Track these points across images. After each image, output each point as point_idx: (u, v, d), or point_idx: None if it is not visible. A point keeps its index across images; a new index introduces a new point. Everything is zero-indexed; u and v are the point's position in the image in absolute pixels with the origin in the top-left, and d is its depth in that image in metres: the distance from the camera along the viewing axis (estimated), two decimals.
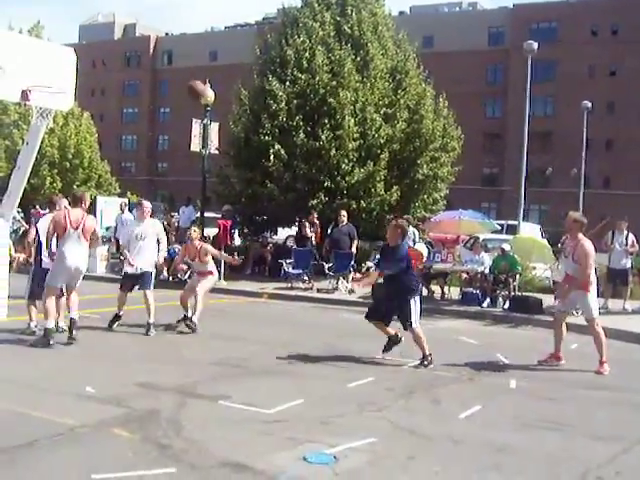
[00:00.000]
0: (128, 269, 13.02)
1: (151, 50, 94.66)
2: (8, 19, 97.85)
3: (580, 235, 10.94)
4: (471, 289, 17.95)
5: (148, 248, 12.91)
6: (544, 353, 11.30)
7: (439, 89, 25.62)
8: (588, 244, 10.87)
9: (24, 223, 23.93)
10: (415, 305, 10.78)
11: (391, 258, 10.94)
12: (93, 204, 30.03)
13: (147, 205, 13.30)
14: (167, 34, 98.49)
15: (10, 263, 14.86)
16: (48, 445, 6.43)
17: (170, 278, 20.68)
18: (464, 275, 18.53)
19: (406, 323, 10.76)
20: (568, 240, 11.65)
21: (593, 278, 11.17)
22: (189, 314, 13.07)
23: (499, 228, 23.99)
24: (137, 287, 12.96)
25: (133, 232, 12.99)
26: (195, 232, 14.04)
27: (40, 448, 6.34)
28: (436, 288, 18.79)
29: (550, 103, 70.22)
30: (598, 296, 17.60)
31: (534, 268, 20.23)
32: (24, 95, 12.63)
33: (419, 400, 8.65)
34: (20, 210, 25.76)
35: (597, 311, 11.30)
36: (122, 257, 15.88)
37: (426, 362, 10.66)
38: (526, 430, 7.53)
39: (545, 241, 21.46)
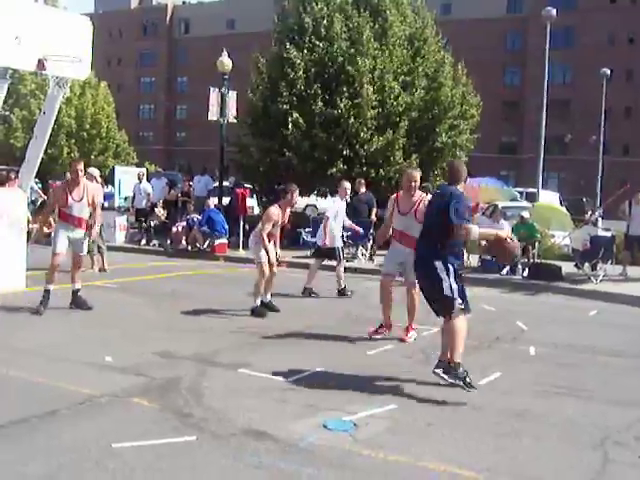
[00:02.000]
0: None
1: (168, 19, 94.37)
2: None
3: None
4: (490, 257, 17.89)
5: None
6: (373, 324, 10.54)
7: (457, 57, 25.42)
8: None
9: (42, 194, 24.03)
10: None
11: None
12: (112, 173, 30.15)
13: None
14: (184, 2, 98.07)
15: (28, 234, 14.93)
16: (68, 415, 6.48)
17: (189, 247, 20.75)
18: (483, 242, 18.47)
19: None
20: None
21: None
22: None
23: (518, 195, 23.90)
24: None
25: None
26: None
27: (61, 417, 6.39)
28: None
29: (569, 71, 69.59)
30: (616, 263, 17.71)
31: (553, 236, 20.18)
32: (40, 64, 12.63)
33: None
34: (38, 181, 25.87)
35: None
36: None
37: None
38: (545, 396, 7.54)
39: (564, 209, 21.38)
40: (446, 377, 7.49)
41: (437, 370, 7.60)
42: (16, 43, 12.08)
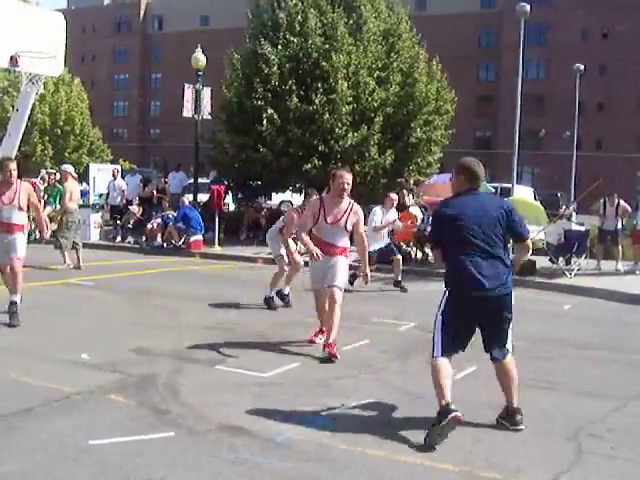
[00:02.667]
0: None
1: (141, 15, 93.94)
2: None
3: None
4: None
5: None
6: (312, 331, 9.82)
7: (432, 52, 25.49)
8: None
9: None
10: None
11: None
12: (86, 171, 30.00)
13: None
14: None
15: None
16: (45, 412, 6.45)
17: (164, 244, 20.70)
18: None
19: None
20: None
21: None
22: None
23: (493, 190, 23.97)
24: None
25: None
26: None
27: (37, 415, 6.36)
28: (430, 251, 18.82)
29: (543, 66, 69.99)
30: (590, 257, 17.88)
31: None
32: (13, 61, 12.57)
33: (415, 362, 8.68)
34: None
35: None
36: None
37: None
38: (520, 389, 7.57)
39: (538, 203, 21.49)
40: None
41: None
42: None
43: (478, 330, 6.51)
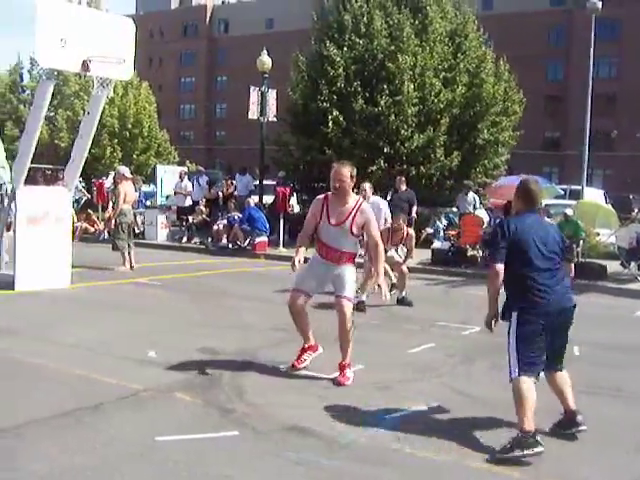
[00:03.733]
0: None
1: (207, 19, 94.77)
2: None
3: None
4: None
5: None
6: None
7: (499, 52, 25.23)
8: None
9: (86, 193, 24.30)
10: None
11: None
12: (153, 172, 30.37)
13: None
14: (223, 2, 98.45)
15: (72, 232, 15.14)
16: (113, 408, 6.53)
17: (230, 245, 20.84)
18: None
19: None
20: None
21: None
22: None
23: (562, 193, 23.65)
24: None
25: None
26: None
27: (105, 411, 6.44)
28: None
29: (614, 65, 68.51)
30: None
31: (598, 234, 19.93)
32: (84, 66, 12.75)
33: (480, 366, 8.60)
34: (82, 180, 26.16)
35: None
36: None
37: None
38: (588, 397, 7.44)
39: (609, 206, 21.10)
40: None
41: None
42: (61, 45, 12.21)
43: None
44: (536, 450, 5.67)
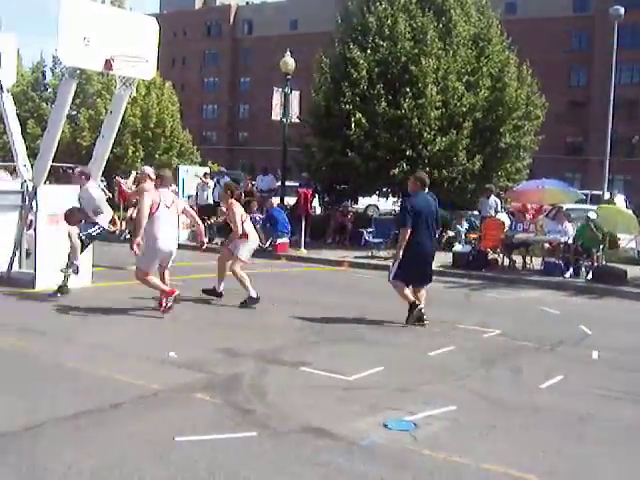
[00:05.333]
0: None
1: (231, 19, 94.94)
2: None
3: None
4: (554, 259, 17.70)
5: None
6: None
7: (522, 56, 25.17)
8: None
9: (107, 192, 24.39)
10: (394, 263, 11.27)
11: None
12: (176, 172, 30.49)
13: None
14: (247, 3, 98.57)
15: None
16: (133, 408, 6.60)
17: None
18: (546, 245, 18.27)
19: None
20: None
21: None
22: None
23: (583, 197, 23.56)
24: None
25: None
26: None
27: (125, 411, 6.51)
28: (518, 258, 18.60)
29: (637, 70, 68.13)
30: None
31: (619, 239, 19.86)
32: (107, 64, 12.80)
33: (500, 369, 8.60)
34: (103, 179, 26.26)
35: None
36: None
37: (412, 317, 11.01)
38: (608, 401, 7.44)
39: (631, 211, 21.00)
40: None
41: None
42: (84, 44, 12.27)
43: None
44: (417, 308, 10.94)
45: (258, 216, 21.46)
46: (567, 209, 20.32)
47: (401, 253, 10.90)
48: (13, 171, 18.32)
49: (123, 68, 13.01)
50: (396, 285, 11.14)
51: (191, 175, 26.75)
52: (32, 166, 13.70)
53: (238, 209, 12.59)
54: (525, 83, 24.49)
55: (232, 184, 15.14)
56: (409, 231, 10.81)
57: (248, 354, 8.71)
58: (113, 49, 12.73)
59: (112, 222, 13.60)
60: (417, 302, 11.06)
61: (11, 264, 13.54)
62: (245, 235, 12.49)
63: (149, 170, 16.92)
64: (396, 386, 7.58)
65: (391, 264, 11.34)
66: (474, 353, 9.32)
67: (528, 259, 18.63)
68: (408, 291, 11.13)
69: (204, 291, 12.77)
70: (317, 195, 25.57)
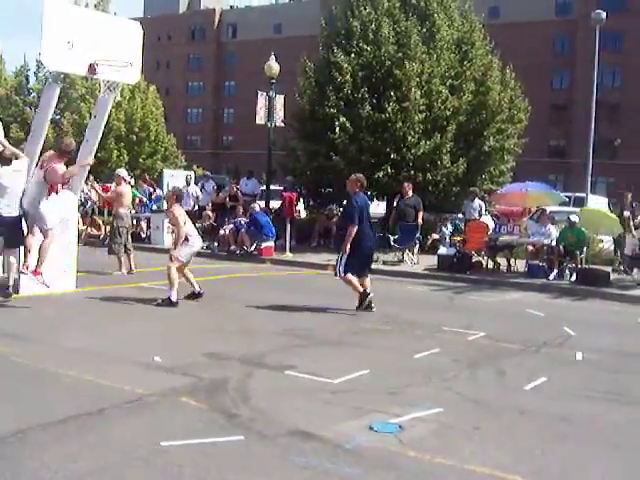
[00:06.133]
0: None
1: (216, 23, 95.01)
2: None
3: None
4: (537, 261, 17.79)
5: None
6: None
7: (505, 60, 25.27)
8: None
9: (91, 196, 24.35)
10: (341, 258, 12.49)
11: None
12: (160, 176, 30.47)
13: None
14: (232, 7, 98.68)
15: (78, 235, 15.14)
16: (117, 413, 6.58)
17: (237, 250, 20.86)
18: (530, 247, 18.36)
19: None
20: None
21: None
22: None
23: (566, 200, 23.67)
24: None
25: None
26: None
27: (109, 416, 6.48)
28: (502, 261, 18.68)
29: (618, 74, 68.57)
30: None
31: (601, 241, 19.97)
32: (91, 69, 12.78)
33: (485, 371, 8.64)
34: (87, 183, 26.23)
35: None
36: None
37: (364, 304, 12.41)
38: (592, 402, 7.49)
39: (613, 214, 21.12)
40: None
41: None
42: (68, 48, 12.24)
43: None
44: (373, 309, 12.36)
45: (243, 220, 21.46)
46: (550, 211, 20.43)
47: (348, 247, 12.26)
48: None
49: (107, 72, 12.99)
50: (347, 279, 12.48)
51: (177, 179, 26.77)
52: None
53: (180, 211, 12.81)
54: (508, 87, 24.59)
55: (178, 188, 15.72)
56: (356, 227, 12.27)
57: (233, 358, 8.71)
58: (97, 53, 12.70)
59: (96, 227, 13.60)
60: (367, 290, 12.46)
61: None
62: (187, 238, 12.53)
63: (123, 173, 16.91)
64: (381, 389, 7.61)
65: (337, 260, 12.56)
66: (459, 355, 9.36)
67: (512, 261, 18.71)
68: (357, 282, 12.44)
69: (186, 297, 12.79)
70: (302, 199, 25.58)
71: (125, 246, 16.38)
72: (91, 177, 22.28)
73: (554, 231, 18.11)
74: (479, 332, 10.87)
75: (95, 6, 41.08)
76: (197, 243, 13.14)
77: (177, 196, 13.16)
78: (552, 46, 73.85)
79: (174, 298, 12.26)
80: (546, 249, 17.80)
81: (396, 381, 7.94)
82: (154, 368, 8.17)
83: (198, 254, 17.22)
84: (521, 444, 6.10)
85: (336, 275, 12.72)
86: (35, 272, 11.60)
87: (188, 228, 12.82)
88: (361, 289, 12.44)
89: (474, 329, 11.06)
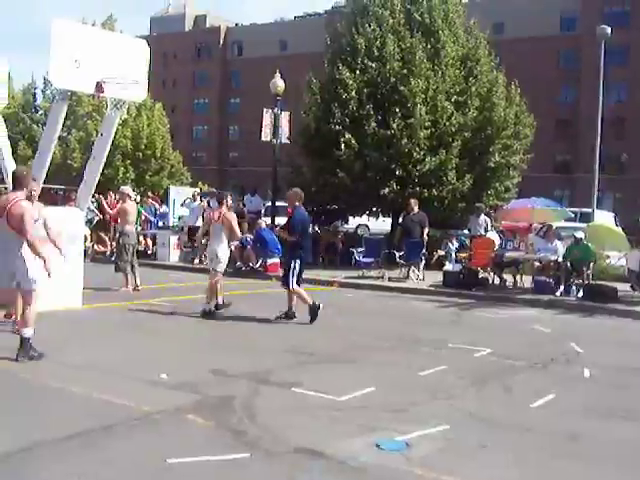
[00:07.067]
0: None
1: (221, 41, 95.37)
2: (82, 13, 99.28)
3: None
4: (544, 277, 17.74)
5: None
6: None
7: (511, 76, 25.31)
8: None
9: (98, 213, 24.39)
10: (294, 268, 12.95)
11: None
12: (166, 193, 30.51)
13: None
14: (237, 25, 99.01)
15: (84, 253, 15.16)
16: (124, 430, 6.57)
17: (242, 267, 20.88)
18: (536, 263, 18.32)
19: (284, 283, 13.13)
20: None
21: None
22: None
23: (572, 216, 23.64)
24: None
25: None
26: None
27: (116, 433, 6.48)
28: (508, 277, 18.64)
29: (624, 89, 68.51)
30: None
31: (608, 256, 19.93)
32: (98, 87, 12.85)
33: (491, 388, 8.62)
34: (94, 200, 26.28)
35: None
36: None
37: (289, 315, 13.00)
38: (600, 419, 7.45)
39: (619, 229, 21.09)
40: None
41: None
42: (75, 66, 12.32)
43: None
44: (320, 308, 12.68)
45: (249, 237, 21.47)
46: (557, 227, 20.40)
47: (298, 262, 12.95)
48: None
49: (114, 90, 13.05)
50: (298, 291, 13.00)
51: (182, 196, 26.81)
52: None
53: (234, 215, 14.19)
54: (514, 102, 24.62)
55: (225, 194, 16.75)
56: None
57: (239, 375, 8.70)
58: (104, 71, 12.78)
59: (103, 243, 13.62)
60: (315, 301, 12.85)
61: None
62: None
63: (128, 190, 16.93)
64: (388, 406, 7.58)
65: (290, 274, 12.90)
66: (465, 372, 9.33)
67: (518, 277, 18.67)
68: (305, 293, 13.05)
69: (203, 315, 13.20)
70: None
71: (131, 263, 16.38)
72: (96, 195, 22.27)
73: (561, 247, 18.07)
74: (485, 349, 10.84)
75: (102, 25, 41.14)
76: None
77: (223, 201, 14.00)
78: (557, 61, 73.93)
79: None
80: (553, 265, 17.76)
81: (402, 398, 7.91)
82: (161, 385, 8.16)
83: (202, 270, 17.25)
84: (528, 462, 6.06)
85: (287, 288, 13.02)
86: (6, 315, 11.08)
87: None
88: (310, 301, 12.83)
89: (480, 346, 11.02)
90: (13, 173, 9.89)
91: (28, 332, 9.08)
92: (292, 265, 12.96)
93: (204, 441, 6.35)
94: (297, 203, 13.42)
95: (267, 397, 7.82)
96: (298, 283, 13.09)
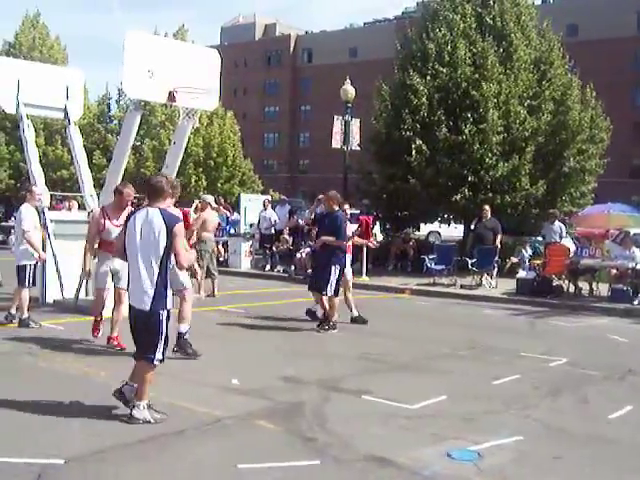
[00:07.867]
0: None
1: (291, 49, 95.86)
2: (154, 25, 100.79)
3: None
4: (621, 285, 17.33)
5: None
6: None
7: (585, 79, 24.87)
8: None
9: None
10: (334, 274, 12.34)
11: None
12: (237, 201, 30.74)
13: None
14: (307, 32, 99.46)
15: None
16: (196, 435, 6.60)
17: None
18: (613, 271, 17.91)
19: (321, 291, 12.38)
20: None
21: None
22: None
23: None
24: None
25: None
26: None
27: (188, 437, 6.52)
28: (584, 284, 18.27)
29: None
30: None
31: None
32: (171, 96, 13.00)
33: (567, 399, 8.43)
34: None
35: None
36: None
37: (326, 327, 12.33)
38: None
39: None
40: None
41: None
42: (148, 76, 12.50)
43: None
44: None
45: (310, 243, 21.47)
46: (634, 234, 19.93)
47: (339, 269, 12.37)
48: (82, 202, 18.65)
49: (186, 100, 13.19)
50: (333, 300, 12.41)
51: (254, 203, 26.97)
52: (99, 196, 13.91)
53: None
54: (589, 105, 24.19)
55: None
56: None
57: (310, 382, 8.68)
58: (176, 81, 12.92)
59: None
60: (335, 322, 12.52)
61: (78, 292, 13.74)
62: None
63: (210, 198, 17.07)
64: (460, 415, 7.47)
65: (329, 279, 12.25)
66: (539, 382, 9.15)
67: (594, 285, 18.28)
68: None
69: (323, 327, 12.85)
70: (378, 222, 25.49)
71: (209, 269, 16.52)
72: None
73: (638, 254, 17.63)
74: (560, 358, 10.62)
75: (174, 35, 41.72)
76: None
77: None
78: (633, 63, 72.34)
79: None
80: (630, 273, 17.34)
81: (474, 407, 7.79)
82: (232, 391, 8.20)
83: (273, 277, 17.29)
84: (604, 476, 5.89)
85: (320, 293, 12.42)
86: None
87: None
88: (335, 317, 12.51)
89: (555, 355, 10.81)
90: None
91: (184, 328, 9.98)
92: (332, 270, 12.33)
93: (274, 447, 6.35)
94: (336, 207, 12.71)
95: (337, 404, 7.78)
96: (336, 292, 12.49)
